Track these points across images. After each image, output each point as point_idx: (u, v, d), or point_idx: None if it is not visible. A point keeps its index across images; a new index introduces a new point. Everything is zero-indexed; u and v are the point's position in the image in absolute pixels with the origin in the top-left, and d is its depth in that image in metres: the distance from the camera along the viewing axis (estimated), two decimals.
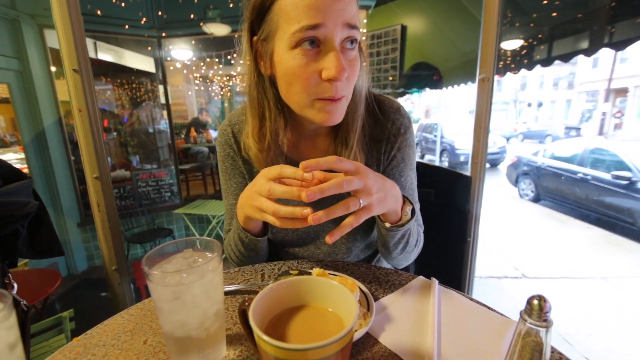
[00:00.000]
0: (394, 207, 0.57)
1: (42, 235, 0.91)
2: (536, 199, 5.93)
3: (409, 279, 0.62)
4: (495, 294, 3.02)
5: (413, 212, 0.62)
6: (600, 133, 17.51)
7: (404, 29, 3.39)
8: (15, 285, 0.87)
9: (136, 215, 3.24)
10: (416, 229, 0.70)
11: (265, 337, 0.30)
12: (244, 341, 0.47)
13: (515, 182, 6.41)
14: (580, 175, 5.02)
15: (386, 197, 0.53)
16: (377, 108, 0.73)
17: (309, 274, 0.56)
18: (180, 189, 3.69)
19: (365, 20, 3.34)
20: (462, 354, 0.44)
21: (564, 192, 5.32)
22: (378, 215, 0.63)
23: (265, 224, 0.69)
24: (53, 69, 2.78)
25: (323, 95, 0.56)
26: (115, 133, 3.72)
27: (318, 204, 0.73)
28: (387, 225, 0.62)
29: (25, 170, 2.64)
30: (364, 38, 3.51)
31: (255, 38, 0.60)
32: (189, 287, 0.38)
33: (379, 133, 0.72)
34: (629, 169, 4.42)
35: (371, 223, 0.78)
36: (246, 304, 0.40)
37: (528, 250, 4.00)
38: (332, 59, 0.53)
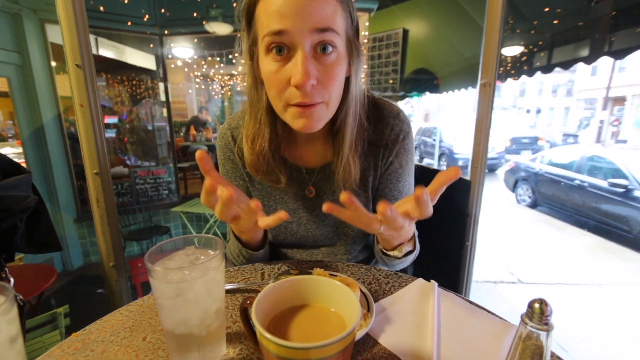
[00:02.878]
0: (390, 240, 0.60)
1: (40, 230, 0.91)
2: (533, 205, 5.95)
3: (409, 281, 0.62)
4: (491, 298, 3.03)
5: (409, 253, 0.65)
6: (598, 141, 17.61)
7: (405, 32, 3.40)
8: (12, 280, 0.87)
9: (133, 212, 3.23)
10: (414, 256, 0.70)
11: (268, 335, 0.30)
12: (243, 340, 0.47)
13: (513, 188, 6.44)
14: (577, 182, 5.05)
15: (399, 235, 0.57)
16: (376, 112, 0.72)
17: (310, 274, 0.56)
18: (179, 187, 3.68)
19: (367, 23, 3.35)
20: (462, 356, 0.44)
21: (561, 199, 5.35)
22: (376, 237, 0.67)
23: (265, 236, 0.70)
24: (53, 64, 2.77)
25: (293, 102, 0.56)
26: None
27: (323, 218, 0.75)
28: (380, 247, 0.66)
29: (23, 165, 2.62)
30: (365, 41, 3.52)
31: (249, 43, 0.62)
32: (191, 284, 0.38)
33: (377, 138, 0.72)
34: (625, 177, 4.45)
35: None
36: (248, 302, 0.40)
37: (524, 255, 4.01)
38: (297, 65, 0.52)
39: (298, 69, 0.52)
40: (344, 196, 0.44)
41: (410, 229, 0.60)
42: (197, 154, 0.47)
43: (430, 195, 0.46)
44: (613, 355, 2.33)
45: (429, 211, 0.46)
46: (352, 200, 0.44)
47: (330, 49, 0.54)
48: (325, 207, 0.46)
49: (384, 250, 0.65)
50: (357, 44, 0.61)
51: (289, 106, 0.57)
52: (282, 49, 0.53)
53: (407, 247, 0.63)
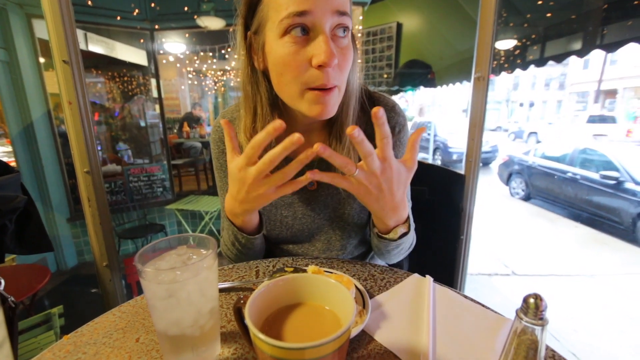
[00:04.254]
0: (379, 215, 0.58)
1: (30, 231, 0.89)
2: (527, 198, 6.01)
3: (404, 276, 0.62)
4: (485, 290, 3.06)
5: (404, 235, 0.64)
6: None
7: (399, 26, 3.39)
8: (3, 281, 0.85)
9: (127, 210, 3.19)
10: (410, 241, 0.70)
11: (262, 336, 0.30)
12: (238, 339, 0.47)
13: (507, 181, 6.49)
14: (569, 174, 5.10)
15: (377, 199, 0.54)
16: (372, 105, 0.72)
17: (304, 271, 0.56)
18: (173, 184, 3.65)
19: (361, 17, 3.33)
20: (457, 351, 0.44)
21: (554, 191, 5.41)
22: (372, 221, 0.65)
23: (261, 221, 0.69)
24: (42, 60, 2.71)
25: (314, 84, 0.55)
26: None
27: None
28: (375, 230, 0.64)
29: (13, 164, 2.57)
30: (359, 35, 3.50)
31: (248, 32, 0.60)
32: (183, 284, 0.37)
33: (373, 131, 0.72)
34: (616, 169, 4.51)
35: (364, 221, 0.78)
36: (241, 301, 0.39)
37: (518, 248, 4.06)
38: (322, 45, 0.52)
39: (323, 48, 0.51)
40: (316, 145, 0.46)
41: (402, 209, 0.59)
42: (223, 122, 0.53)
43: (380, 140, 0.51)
44: (604, 345, 2.38)
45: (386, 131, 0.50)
46: (326, 147, 0.47)
47: (345, 32, 0.55)
48: (310, 174, 0.49)
49: (380, 234, 0.65)
50: (353, 34, 0.62)
51: (306, 91, 0.56)
52: (304, 29, 0.53)
53: (402, 229, 0.63)
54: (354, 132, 0.45)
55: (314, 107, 0.57)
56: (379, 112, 0.46)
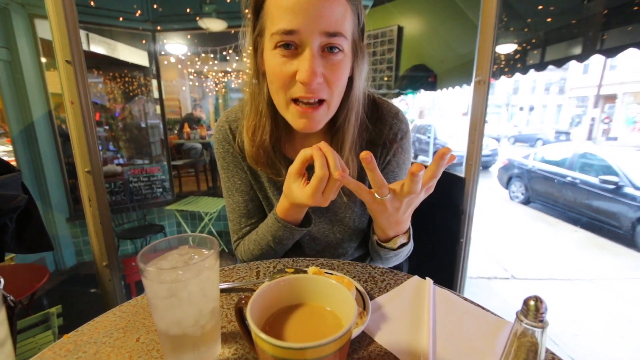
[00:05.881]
0: (383, 227, 0.60)
1: (31, 230, 0.89)
2: (526, 202, 6.01)
3: (404, 278, 0.62)
4: (484, 294, 3.06)
5: (403, 245, 0.65)
6: (589, 138, 17.82)
7: (400, 29, 3.40)
8: (2, 280, 0.85)
9: (127, 210, 3.19)
10: (408, 249, 0.71)
11: (263, 336, 0.30)
12: (239, 339, 0.47)
13: (506, 185, 6.50)
14: (569, 178, 5.11)
15: (388, 217, 0.56)
16: (376, 111, 0.72)
17: (305, 272, 0.56)
18: (173, 185, 3.65)
19: None
20: (457, 353, 0.44)
21: (553, 195, 5.42)
22: (373, 228, 0.67)
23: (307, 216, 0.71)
24: (43, 60, 2.71)
25: (296, 95, 0.56)
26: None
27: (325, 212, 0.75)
28: (375, 238, 0.66)
29: (13, 164, 2.57)
30: None
31: (255, 34, 0.61)
32: (185, 284, 0.38)
33: (375, 137, 0.72)
34: (616, 174, 4.51)
35: (365, 224, 0.78)
36: (243, 302, 0.39)
37: (517, 251, 4.06)
38: (305, 63, 0.53)
39: (306, 66, 0.52)
40: (363, 154, 0.46)
41: (406, 223, 0.60)
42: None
43: (430, 179, 0.50)
44: (605, 349, 2.37)
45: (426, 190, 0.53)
46: (372, 158, 0.47)
47: (336, 50, 0.55)
48: (337, 174, 0.50)
49: (379, 242, 0.65)
50: (362, 46, 0.61)
51: (291, 103, 0.57)
52: (290, 45, 0.53)
53: (402, 240, 0.63)
54: (419, 170, 0.46)
55: (298, 121, 0.58)
56: (446, 154, 0.47)
